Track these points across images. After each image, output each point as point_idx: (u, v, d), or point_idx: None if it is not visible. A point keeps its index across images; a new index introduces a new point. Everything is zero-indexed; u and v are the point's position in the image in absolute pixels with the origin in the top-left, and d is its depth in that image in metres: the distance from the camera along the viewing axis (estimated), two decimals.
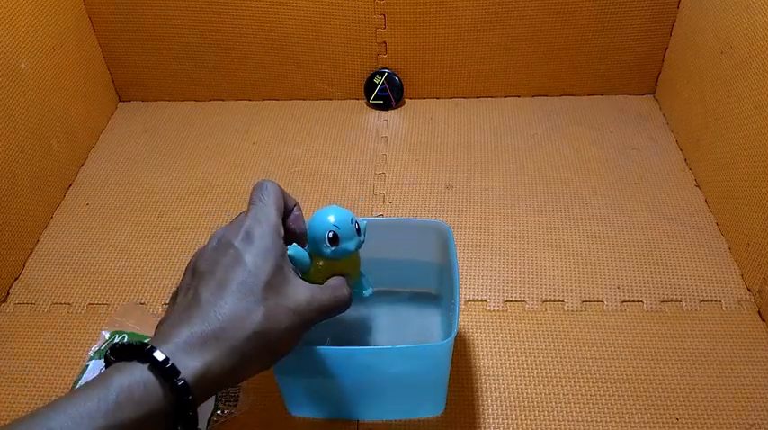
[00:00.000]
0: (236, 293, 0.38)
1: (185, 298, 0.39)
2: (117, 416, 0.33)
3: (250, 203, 0.43)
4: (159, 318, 0.40)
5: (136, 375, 0.34)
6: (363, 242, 0.48)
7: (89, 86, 0.90)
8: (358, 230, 0.47)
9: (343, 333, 0.59)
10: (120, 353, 0.36)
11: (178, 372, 0.35)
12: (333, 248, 0.45)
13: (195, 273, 0.40)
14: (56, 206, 0.81)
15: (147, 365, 0.35)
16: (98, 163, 0.88)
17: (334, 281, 0.45)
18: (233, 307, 0.38)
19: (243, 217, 0.43)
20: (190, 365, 0.35)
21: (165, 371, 0.34)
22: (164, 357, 0.35)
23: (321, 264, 0.46)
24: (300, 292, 0.41)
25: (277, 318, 0.39)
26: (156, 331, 0.39)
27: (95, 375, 0.36)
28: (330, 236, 0.45)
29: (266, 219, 0.42)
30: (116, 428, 0.32)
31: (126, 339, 0.62)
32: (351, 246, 0.46)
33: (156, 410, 0.34)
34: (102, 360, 0.61)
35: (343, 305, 0.44)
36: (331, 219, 0.46)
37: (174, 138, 0.92)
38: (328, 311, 0.43)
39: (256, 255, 0.40)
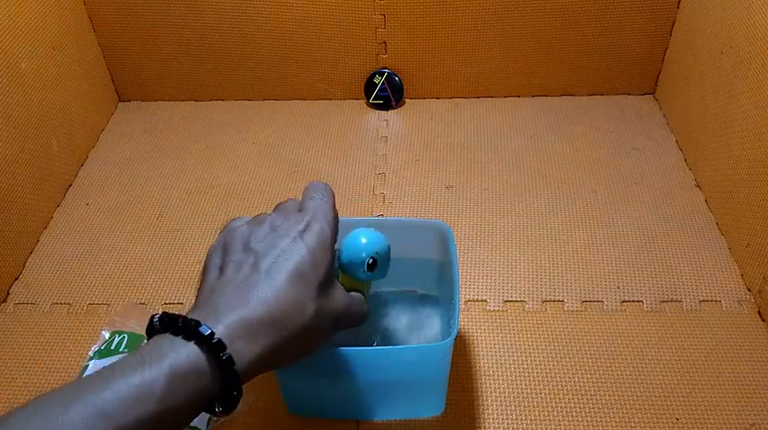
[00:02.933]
0: (295, 283, 0.38)
1: (238, 273, 0.38)
2: (167, 402, 0.32)
3: (307, 198, 0.43)
4: None
5: (191, 358, 0.33)
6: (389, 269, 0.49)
7: (89, 86, 0.90)
8: (388, 258, 0.48)
9: (343, 333, 0.59)
10: (171, 326, 0.35)
11: (233, 363, 0.34)
12: (369, 274, 0.46)
13: (249, 250, 0.39)
14: (56, 206, 0.81)
15: (203, 349, 0.34)
16: (98, 163, 0.88)
17: (359, 296, 0.45)
18: (291, 295, 0.37)
19: (296, 207, 0.42)
20: (243, 352, 0.35)
21: (220, 360, 0.34)
22: (222, 345, 0.34)
23: (340, 279, 0.47)
24: (342, 299, 0.42)
25: (322, 318, 0.39)
26: (204, 301, 0.38)
27: (145, 344, 0.35)
28: (370, 262, 0.45)
29: (326, 217, 0.41)
30: (165, 414, 0.32)
31: (126, 339, 0.62)
32: (383, 274, 0.47)
33: (202, 395, 0.34)
34: (96, 359, 0.61)
35: (362, 321, 0.45)
36: (371, 244, 0.46)
37: (174, 138, 0.92)
38: (354, 322, 0.44)
39: (316, 249, 0.39)
